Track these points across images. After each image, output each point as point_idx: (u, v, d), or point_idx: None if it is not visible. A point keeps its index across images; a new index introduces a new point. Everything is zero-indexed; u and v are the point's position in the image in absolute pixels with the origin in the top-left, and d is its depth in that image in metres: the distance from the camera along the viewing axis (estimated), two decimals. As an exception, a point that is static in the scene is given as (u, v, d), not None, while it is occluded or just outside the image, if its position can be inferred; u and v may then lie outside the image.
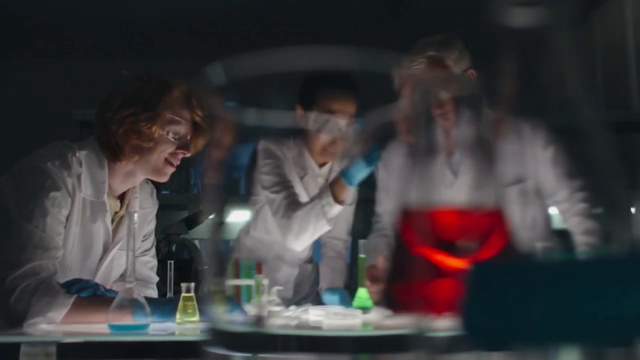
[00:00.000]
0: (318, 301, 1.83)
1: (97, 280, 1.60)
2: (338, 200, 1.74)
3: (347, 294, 1.72)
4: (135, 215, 1.42)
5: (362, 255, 1.50)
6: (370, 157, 1.66)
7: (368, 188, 1.74)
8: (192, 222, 3.22)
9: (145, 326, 1.36)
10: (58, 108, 3.42)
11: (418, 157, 0.29)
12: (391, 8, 3.12)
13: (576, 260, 0.23)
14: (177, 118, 1.60)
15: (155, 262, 1.82)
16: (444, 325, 0.28)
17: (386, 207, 1.80)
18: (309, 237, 1.77)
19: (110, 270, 1.67)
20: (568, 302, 0.23)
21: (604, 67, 3.16)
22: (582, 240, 1.41)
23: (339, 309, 1.53)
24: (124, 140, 1.58)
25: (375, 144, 1.53)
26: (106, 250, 1.64)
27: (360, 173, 1.73)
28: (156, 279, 1.80)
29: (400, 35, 2.35)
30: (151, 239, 1.83)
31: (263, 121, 0.38)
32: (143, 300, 1.38)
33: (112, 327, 1.33)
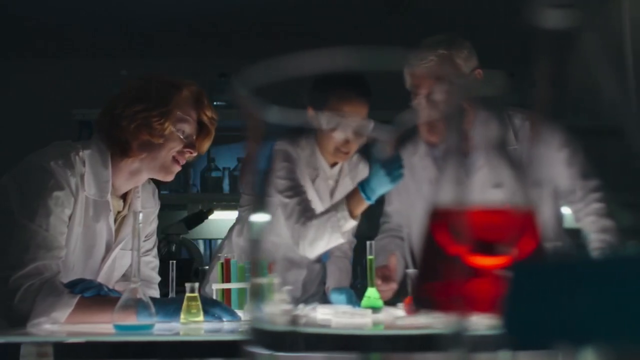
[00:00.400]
0: (325, 300, 1.83)
1: (100, 280, 1.60)
2: (353, 216, 1.69)
3: (354, 293, 1.72)
4: (140, 215, 1.41)
5: (370, 257, 1.50)
6: (395, 173, 1.57)
7: None
8: (191, 222, 3.22)
9: (150, 326, 1.36)
10: (58, 108, 3.41)
11: (452, 157, 0.29)
12: (391, 8, 3.12)
13: (620, 258, 0.24)
14: (186, 116, 1.61)
15: (157, 262, 1.82)
16: (481, 323, 0.28)
17: (396, 207, 1.79)
18: (323, 247, 1.75)
19: (112, 270, 1.67)
20: (611, 301, 0.23)
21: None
22: (597, 238, 1.41)
23: (347, 307, 1.53)
24: (133, 136, 1.58)
25: (398, 155, 1.49)
26: (109, 250, 1.63)
27: (382, 188, 1.64)
28: (158, 279, 1.80)
29: (400, 35, 2.35)
30: (153, 239, 1.83)
31: (283, 120, 0.38)
32: (148, 300, 1.38)
33: (117, 327, 1.33)
